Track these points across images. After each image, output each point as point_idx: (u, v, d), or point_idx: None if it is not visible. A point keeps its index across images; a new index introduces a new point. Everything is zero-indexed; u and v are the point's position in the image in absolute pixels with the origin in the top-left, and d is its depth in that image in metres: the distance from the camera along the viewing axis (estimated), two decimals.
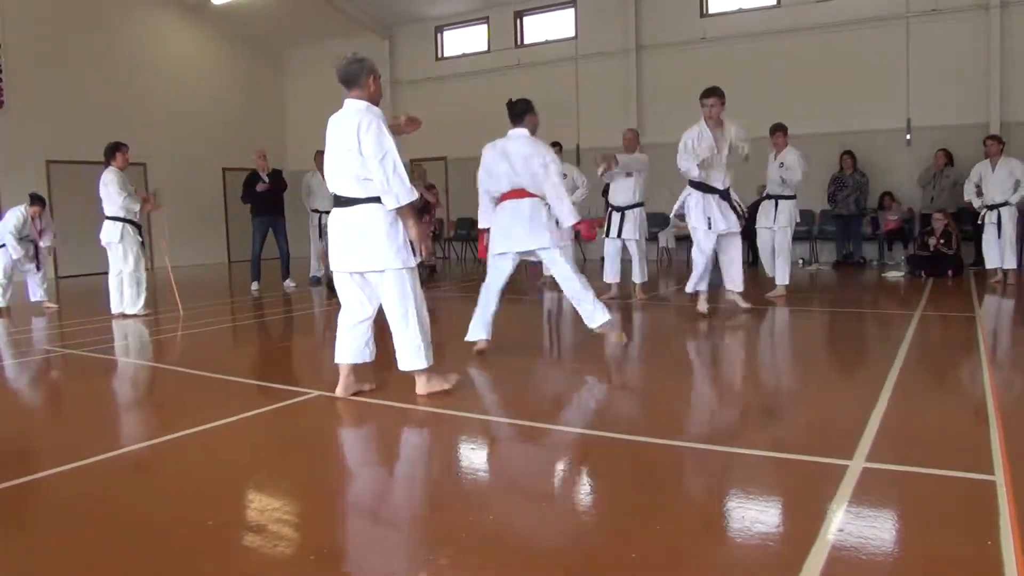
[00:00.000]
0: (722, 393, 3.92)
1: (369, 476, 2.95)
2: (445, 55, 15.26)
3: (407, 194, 3.62)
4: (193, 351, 6.05)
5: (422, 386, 3.94)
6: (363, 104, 3.71)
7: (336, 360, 3.95)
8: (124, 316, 7.46)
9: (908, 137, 10.87)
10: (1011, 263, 8.39)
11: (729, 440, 3.23)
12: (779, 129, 7.70)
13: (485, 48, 14.67)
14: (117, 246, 7.49)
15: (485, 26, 14.65)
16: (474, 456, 3.15)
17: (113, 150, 7.53)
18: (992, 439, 2.95)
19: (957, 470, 2.64)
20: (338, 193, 3.75)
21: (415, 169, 11.48)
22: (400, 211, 3.68)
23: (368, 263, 3.73)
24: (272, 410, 3.76)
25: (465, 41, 15.03)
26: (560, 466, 2.93)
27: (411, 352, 3.83)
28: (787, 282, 7.62)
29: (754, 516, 2.37)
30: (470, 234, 14.85)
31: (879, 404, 3.51)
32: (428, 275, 10.88)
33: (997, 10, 10.19)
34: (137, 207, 7.53)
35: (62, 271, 12.70)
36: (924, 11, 10.63)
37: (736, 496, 2.56)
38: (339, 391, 3.94)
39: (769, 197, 7.77)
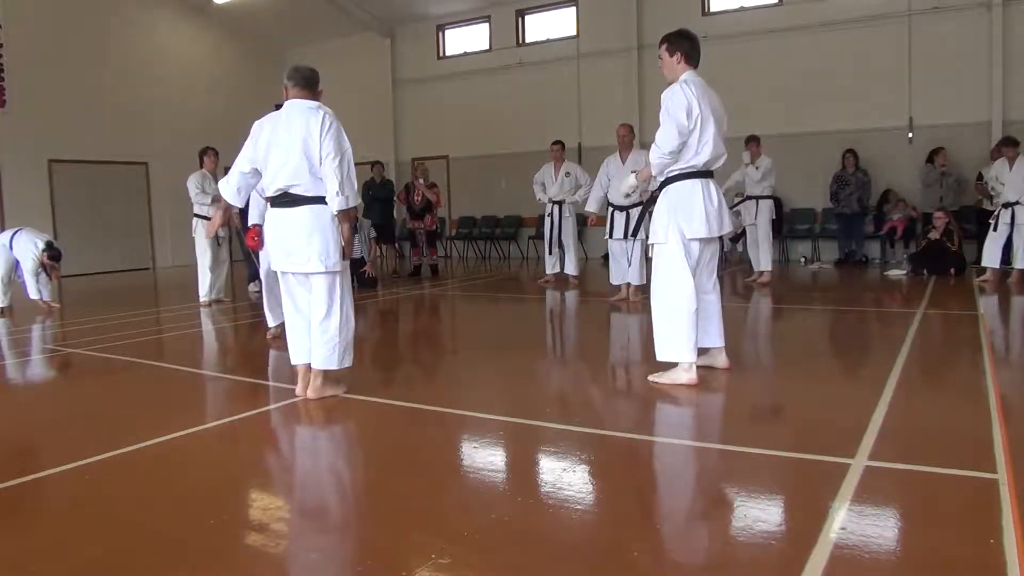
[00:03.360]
0: (724, 392, 3.91)
1: (372, 475, 2.94)
2: (447, 54, 15.26)
3: (355, 198, 3.73)
4: (195, 350, 6.06)
5: (316, 389, 3.86)
6: (315, 103, 3.76)
7: (294, 362, 3.95)
8: (205, 305, 8.14)
9: (910, 135, 10.85)
10: (1022, 263, 7.99)
11: (731, 438, 3.22)
12: (754, 139, 8.86)
13: (487, 47, 14.67)
14: (196, 240, 8.35)
15: (487, 25, 14.65)
16: (477, 455, 3.14)
17: (201, 154, 8.53)
18: (994, 437, 2.94)
19: (959, 468, 2.63)
20: (287, 190, 3.72)
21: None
22: (341, 213, 3.70)
23: (314, 264, 3.72)
24: (274, 409, 3.76)
25: (467, 40, 15.03)
26: (561, 465, 2.92)
27: (331, 350, 3.79)
28: (769, 267, 8.81)
29: (756, 515, 2.37)
30: (471, 233, 14.86)
31: (881, 402, 3.50)
32: (431, 274, 10.90)
33: (999, 8, 10.16)
34: (206, 202, 8.30)
35: (63, 270, 12.66)
36: (926, 9, 10.61)
37: (738, 495, 2.56)
38: (311, 392, 3.86)
39: (749, 198, 8.96)
